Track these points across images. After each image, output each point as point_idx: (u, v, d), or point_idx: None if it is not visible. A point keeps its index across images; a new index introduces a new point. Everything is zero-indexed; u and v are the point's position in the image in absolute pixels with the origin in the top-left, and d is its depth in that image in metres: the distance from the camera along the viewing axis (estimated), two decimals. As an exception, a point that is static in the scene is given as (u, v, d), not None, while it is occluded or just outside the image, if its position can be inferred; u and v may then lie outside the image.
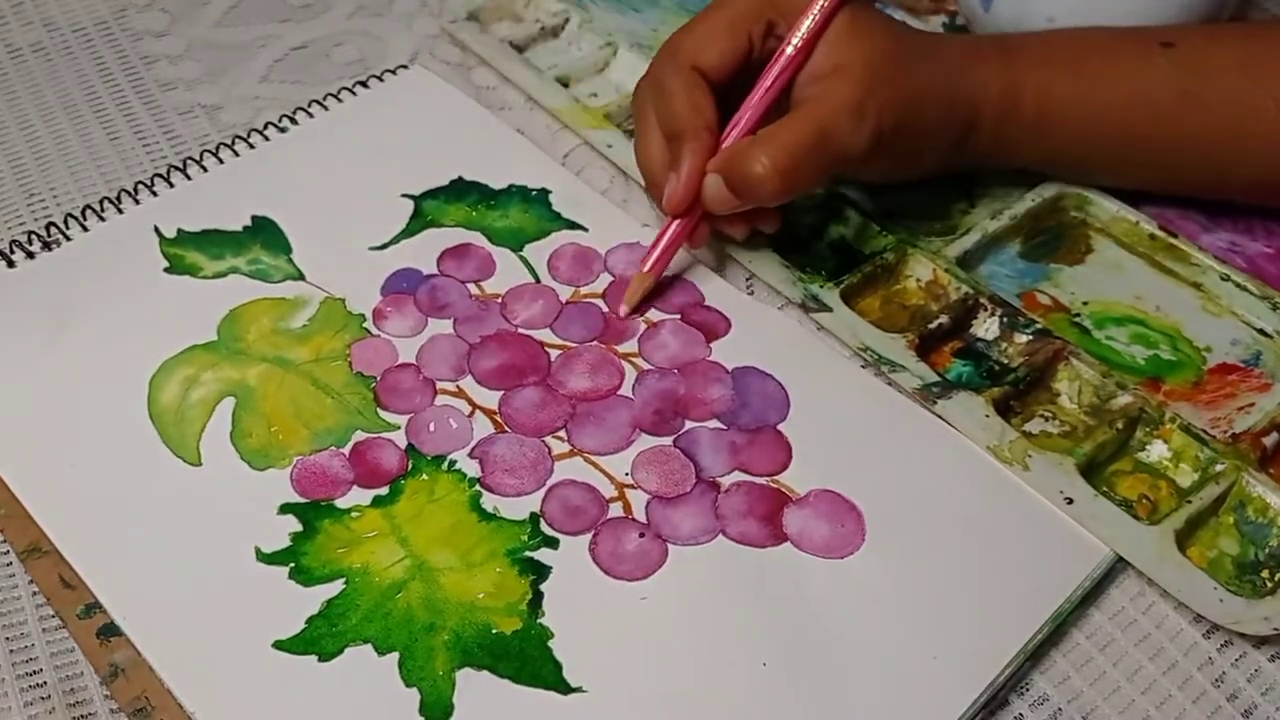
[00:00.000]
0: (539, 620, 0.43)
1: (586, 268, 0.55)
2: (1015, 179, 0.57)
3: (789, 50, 0.50)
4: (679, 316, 0.53)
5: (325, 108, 0.61)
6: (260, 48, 0.66)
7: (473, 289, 0.53)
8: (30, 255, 0.54)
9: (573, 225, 0.56)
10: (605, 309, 0.53)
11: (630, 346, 0.51)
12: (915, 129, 0.51)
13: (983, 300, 0.53)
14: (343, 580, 0.44)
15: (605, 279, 0.54)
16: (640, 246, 0.55)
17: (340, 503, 0.46)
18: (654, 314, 0.53)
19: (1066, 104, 0.53)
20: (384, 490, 0.46)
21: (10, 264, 0.54)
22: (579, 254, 0.55)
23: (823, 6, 0.50)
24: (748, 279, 0.55)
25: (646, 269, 0.52)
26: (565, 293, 0.54)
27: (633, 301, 0.52)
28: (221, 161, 0.59)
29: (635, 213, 0.57)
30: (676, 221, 0.52)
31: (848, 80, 0.50)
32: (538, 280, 0.54)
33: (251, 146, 0.59)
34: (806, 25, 0.50)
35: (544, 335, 0.52)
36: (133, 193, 0.57)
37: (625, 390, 0.50)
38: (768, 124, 0.50)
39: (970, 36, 0.56)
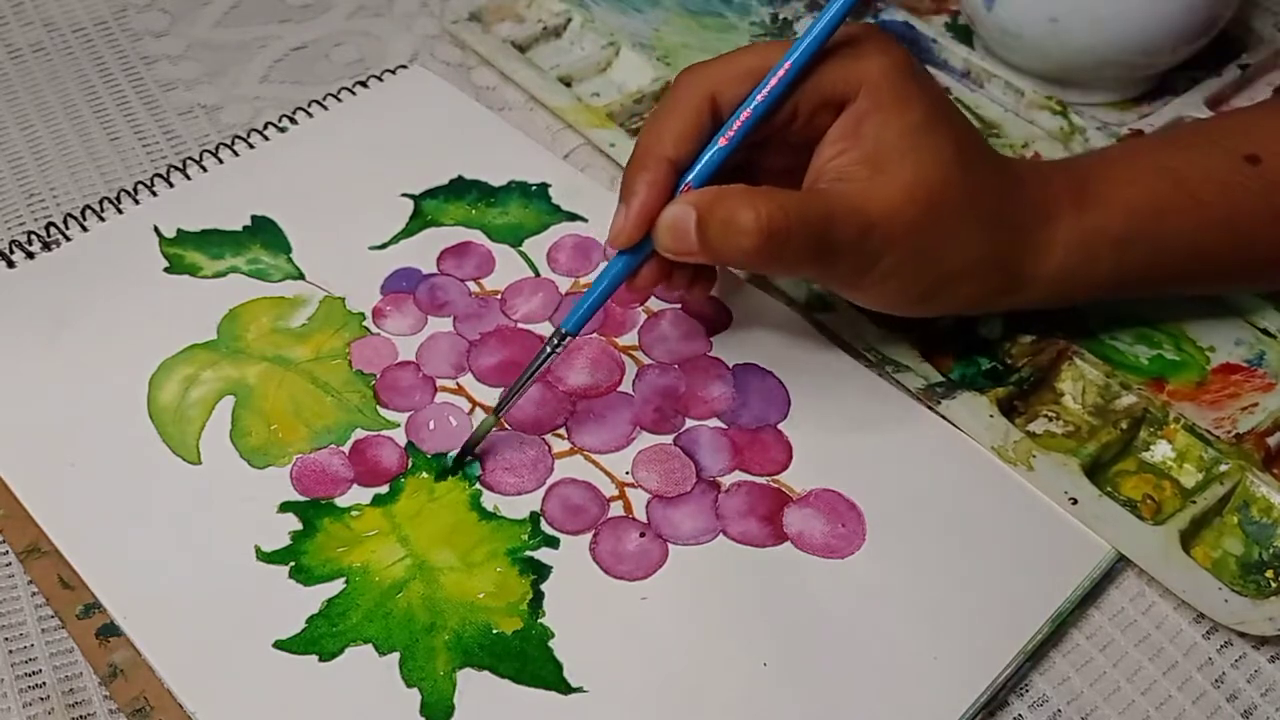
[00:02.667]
0: (539, 620, 0.43)
1: (586, 257, 0.55)
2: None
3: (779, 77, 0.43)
4: (679, 306, 0.52)
5: (325, 108, 0.61)
6: (260, 48, 0.66)
7: (472, 287, 0.53)
8: (30, 255, 0.54)
9: (572, 217, 0.56)
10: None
11: (630, 339, 0.51)
12: (948, 274, 0.45)
13: (985, 300, 0.53)
14: (343, 579, 0.43)
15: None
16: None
17: (340, 501, 0.46)
18: (654, 303, 0.53)
19: (1146, 256, 0.47)
20: (384, 489, 0.46)
21: (10, 264, 0.54)
22: (579, 244, 0.55)
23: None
24: (749, 277, 0.55)
25: (565, 327, 0.45)
26: (565, 284, 0.53)
27: (474, 442, 0.47)
28: (221, 161, 0.58)
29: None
30: (607, 276, 0.45)
31: (882, 192, 0.43)
32: (537, 274, 0.54)
33: (251, 146, 0.59)
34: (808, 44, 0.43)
35: (544, 330, 0.52)
36: (132, 193, 0.57)
37: (625, 386, 0.50)
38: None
39: (1038, 172, 0.48)
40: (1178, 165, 0.48)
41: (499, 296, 0.53)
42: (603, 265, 0.54)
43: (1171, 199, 0.47)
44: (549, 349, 0.45)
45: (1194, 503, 0.46)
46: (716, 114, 0.44)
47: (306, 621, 0.42)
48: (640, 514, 0.46)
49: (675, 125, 0.44)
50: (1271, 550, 0.46)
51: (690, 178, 0.44)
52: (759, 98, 0.43)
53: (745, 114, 0.44)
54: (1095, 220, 0.46)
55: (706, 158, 0.44)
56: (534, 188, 0.57)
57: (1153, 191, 0.47)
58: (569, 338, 0.45)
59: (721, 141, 0.44)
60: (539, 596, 0.43)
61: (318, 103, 0.61)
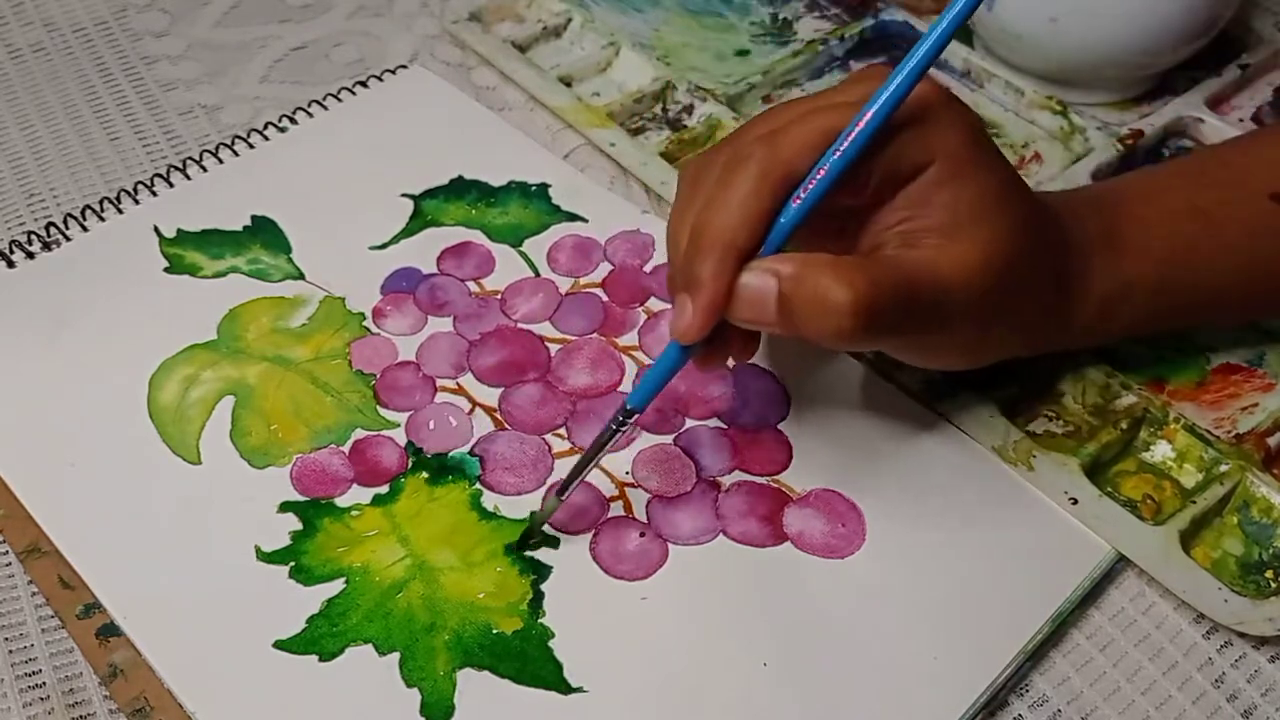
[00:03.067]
0: (539, 620, 0.43)
1: (586, 257, 0.55)
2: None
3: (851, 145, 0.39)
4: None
5: (325, 108, 0.61)
6: (260, 48, 0.66)
7: (472, 286, 0.53)
8: (30, 255, 0.54)
9: (572, 217, 0.56)
10: (605, 299, 0.53)
11: (630, 339, 0.51)
12: (1004, 332, 0.45)
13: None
14: (343, 579, 0.43)
15: (605, 268, 0.54)
16: (640, 234, 0.55)
17: (340, 501, 0.46)
18: (654, 303, 0.53)
19: (1177, 297, 0.48)
20: (384, 489, 0.46)
21: (10, 264, 0.54)
22: (579, 244, 0.55)
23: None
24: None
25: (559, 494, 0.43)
26: (565, 284, 0.53)
27: (539, 522, 0.44)
28: (221, 161, 0.58)
29: (636, 202, 0.57)
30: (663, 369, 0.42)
31: (960, 261, 0.41)
32: (537, 274, 0.54)
33: (251, 146, 0.59)
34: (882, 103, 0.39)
35: (544, 329, 0.52)
36: (132, 193, 0.57)
37: (625, 386, 0.50)
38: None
39: (1075, 215, 0.46)
40: (1206, 206, 0.48)
41: (499, 296, 0.53)
42: (606, 257, 0.54)
43: (1201, 243, 0.47)
44: (614, 426, 0.42)
45: (1194, 503, 0.46)
46: (790, 190, 0.40)
47: (306, 621, 0.42)
48: (640, 514, 0.46)
49: (748, 210, 0.39)
50: (1271, 550, 0.46)
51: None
52: (831, 161, 0.39)
53: (820, 173, 0.39)
54: (1130, 269, 0.46)
55: (779, 235, 0.40)
56: (534, 188, 0.57)
57: (1184, 237, 0.47)
58: (636, 414, 0.42)
59: (795, 202, 0.40)
60: (539, 596, 0.43)
61: (318, 103, 0.61)
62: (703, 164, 0.42)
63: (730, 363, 0.50)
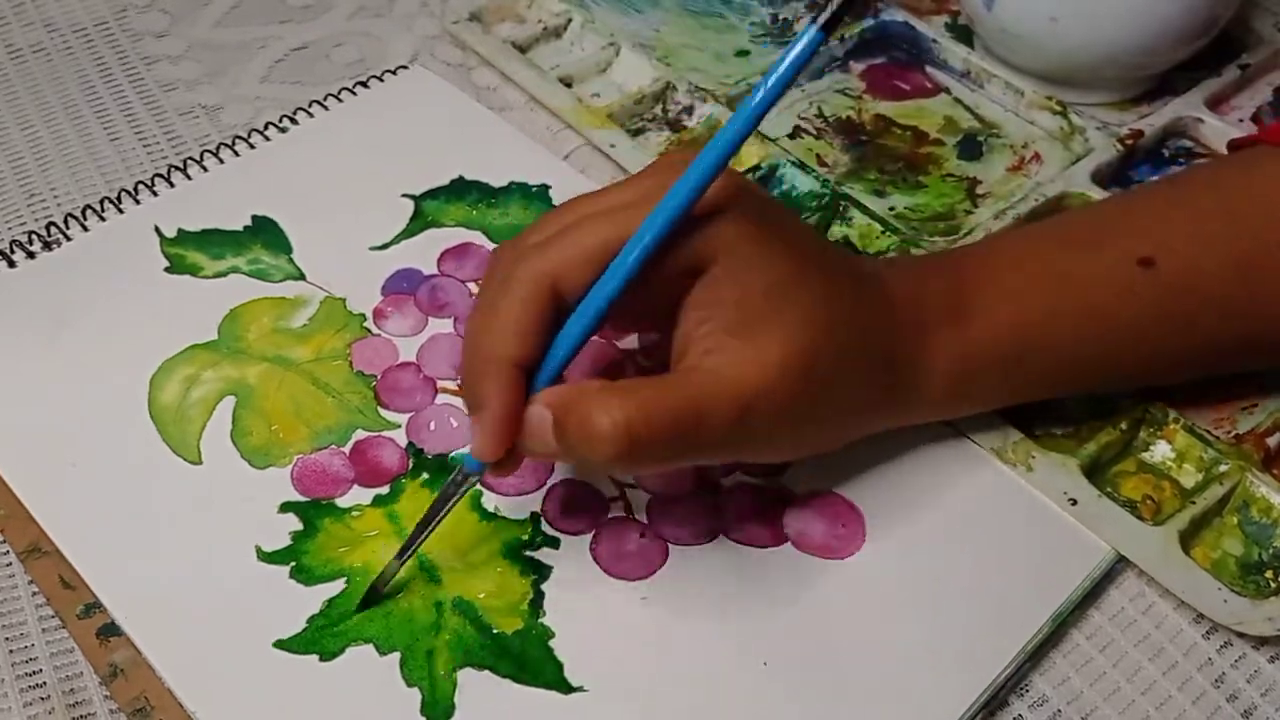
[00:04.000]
0: (540, 620, 0.43)
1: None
2: (1016, 180, 0.57)
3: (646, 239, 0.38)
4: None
5: (325, 108, 0.61)
6: (260, 48, 0.66)
7: (473, 287, 0.53)
8: (30, 255, 0.54)
9: (573, 221, 0.56)
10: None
11: (630, 341, 0.51)
12: (832, 423, 0.43)
13: (985, 300, 0.53)
14: (344, 579, 0.44)
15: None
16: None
17: (341, 501, 0.46)
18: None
19: (1040, 366, 0.45)
20: (385, 489, 0.46)
21: (10, 264, 0.54)
22: (579, 246, 0.55)
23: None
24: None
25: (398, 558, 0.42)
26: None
27: (384, 582, 0.43)
28: (222, 161, 0.59)
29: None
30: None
31: (746, 380, 0.39)
32: (538, 277, 0.54)
33: (252, 146, 0.59)
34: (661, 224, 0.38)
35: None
36: (133, 193, 0.57)
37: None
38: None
39: (908, 289, 0.44)
40: (1068, 269, 0.46)
41: (499, 297, 0.53)
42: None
43: (1063, 306, 0.45)
44: (451, 489, 0.42)
45: (1193, 503, 0.46)
46: (559, 301, 0.39)
47: (307, 621, 0.42)
48: (640, 514, 0.46)
49: (514, 322, 0.39)
50: (1271, 550, 0.46)
51: (541, 377, 0.40)
52: (610, 288, 0.39)
53: (597, 305, 0.39)
54: (976, 337, 0.44)
55: (561, 353, 0.40)
56: (534, 188, 0.57)
57: (1042, 301, 0.45)
58: (476, 477, 0.41)
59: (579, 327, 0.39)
60: (539, 596, 0.43)
61: (318, 103, 0.61)
62: (494, 260, 0.42)
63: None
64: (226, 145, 0.59)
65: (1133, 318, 0.45)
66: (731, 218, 0.40)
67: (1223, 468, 0.47)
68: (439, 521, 0.42)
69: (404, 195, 0.57)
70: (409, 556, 0.42)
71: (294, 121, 0.60)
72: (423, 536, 0.42)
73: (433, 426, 0.48)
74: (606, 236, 0.39)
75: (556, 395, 0.39)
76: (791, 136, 0.62)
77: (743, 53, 0.67)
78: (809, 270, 0.41)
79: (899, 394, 0.44)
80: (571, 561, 0.44)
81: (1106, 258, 0.46)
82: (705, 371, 0.39)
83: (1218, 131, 0.60)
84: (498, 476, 0.45)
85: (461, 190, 0.57)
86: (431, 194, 0.57)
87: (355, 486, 0.46)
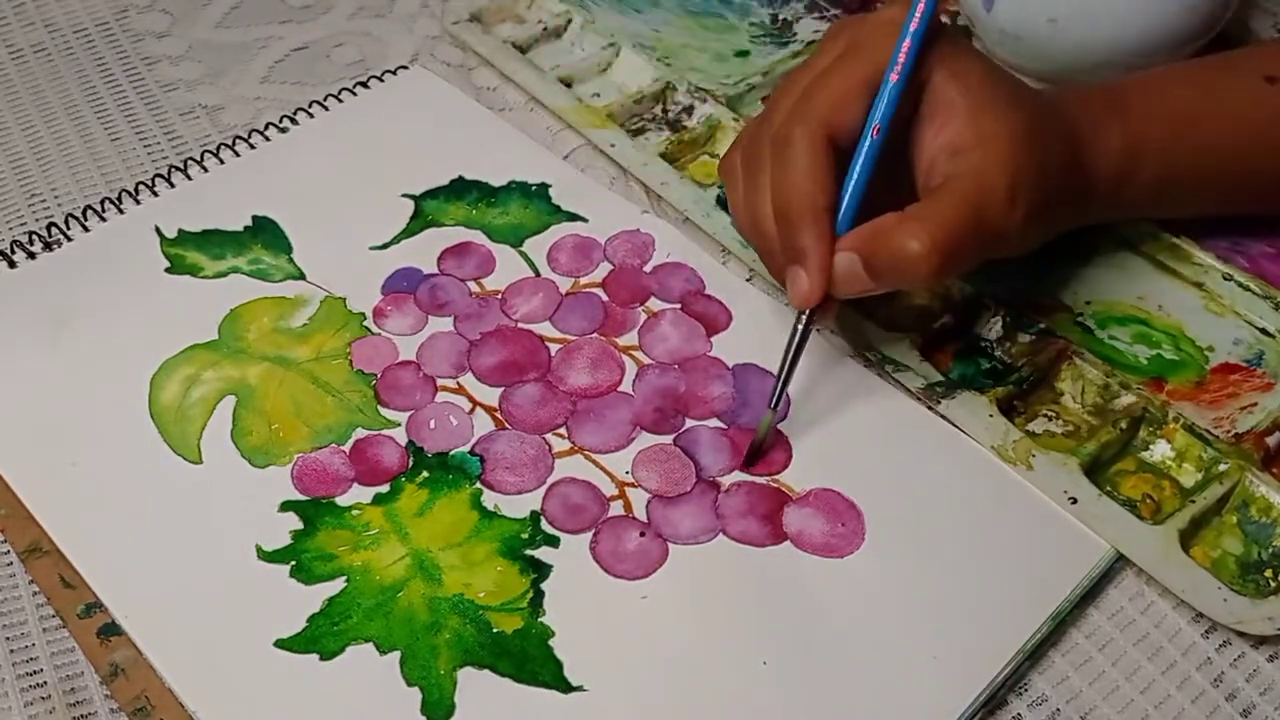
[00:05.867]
0: (540, 619, 0.43)
1: (586, 257, 0.55)
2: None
3: (888, 98, 0.45)
4: (679, 306, 0.53)
5: (326, 108, 0.61)
6: (261, 49, 0.66)
7: (473, 286, 0.53)
8: (31, 255, 0.54)
9: (573, 217, 0.56)
10: (605, 298, 0.53)
11: (630, 339, 0.51)
12: (1051, 204, 0.47)
13: (986, 300, 0.53)
14: (344, 578, 0.44)
15: (605, 268, 0.54)
16: (640, 234, 0.55)
17: (341, 500, 0.46)
18: (654, 303, 0.53)
19: (1187, 160, 0.51)
20: (385, 488, 0.46)
21: (11, 264, 0.54)
22: (579, 244, 0.55)
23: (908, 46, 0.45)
24: (748, 275, 0.55)
25: (771, 406, 0.47)
26: (565, 284, 0.54)
27: (760, 439, 0.47)
28: (222, 162, 0.59)
29: (636, 202, 0.57)
30: (798, 330, 0.46)
31: (996, 156, 0.45)
32: (538, 274, 0.54)
33: (252, 147, 0.59)
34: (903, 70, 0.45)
35: (544, 329, 0.52)
36: (133, 193, 0.57)
37: (625, 386, 0.50)
38: (876, 196, 0.46)
39: (1079, 92, 0.51)
40: (1206, 80, 0.52)
41: (499, 296, 0.53)
42: (606, 256, 0.54)
43: (1205, 108, 0.51)
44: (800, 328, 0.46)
45: (1193, 502, 0.46)
46: (839, 147, 0.45)
47: (307, 620, 0.42)
48: (640, 513, 0.46)
49: (817, 175, 0.45)
50: (1270, 550, 0.46)
51: (842, 221, 0.45)
52: (879, 114, 0.45)
53: (874, 130, 0.45)
54: (1138, 126, 0.50)
55: (848, 195, 0.45)
56: (534, 188, 0.58)
57: (1187, 101, 0.51)
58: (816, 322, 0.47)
59: (874, 134, 0.45)
60: (539, 595, 0.43)
61: (319, 103, 0.61)
62: (747, 157, 0.48)
63: (731, 363, 0.50)
64: (227, 145, 0.59)
65: (1263, 122, 0.51)
66: (937, 41, 0.46)
67: (1222, 467, 0.47)
68: (794, 366, 0.46)
69: (404, 195, 0.57)
70: (778, 402, 0.46)
71: (294, 122, 0.60)
72: (783, 383, 0.46)
73: (433, 425, 0.48)
74: (864, 73, 0.45)
75: (859, 238, 0.45)
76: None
77: (743, 53, 0.67)
78: (1002, 71, 0.48)
79: (1087, 174, 0.49)
80: (571, 561, 0.44)
81: (1240, 75, 0.53)
82: (963, 174, 0.45)
83: (1217, 131, 0.60)
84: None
85: (461, 190, 0.58)
86: (431, 194, 0.57)
87: (355, 485, 0.46)
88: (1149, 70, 0.54)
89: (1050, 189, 0.47)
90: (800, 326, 0.46)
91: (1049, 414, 0.50)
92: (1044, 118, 0.47)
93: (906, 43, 0.45)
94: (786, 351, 0.46)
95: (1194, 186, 0.52)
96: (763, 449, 0.47)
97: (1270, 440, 0.48)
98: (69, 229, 0.55)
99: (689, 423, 0.49)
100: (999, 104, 0.46)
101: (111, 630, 0.43)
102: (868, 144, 0.45)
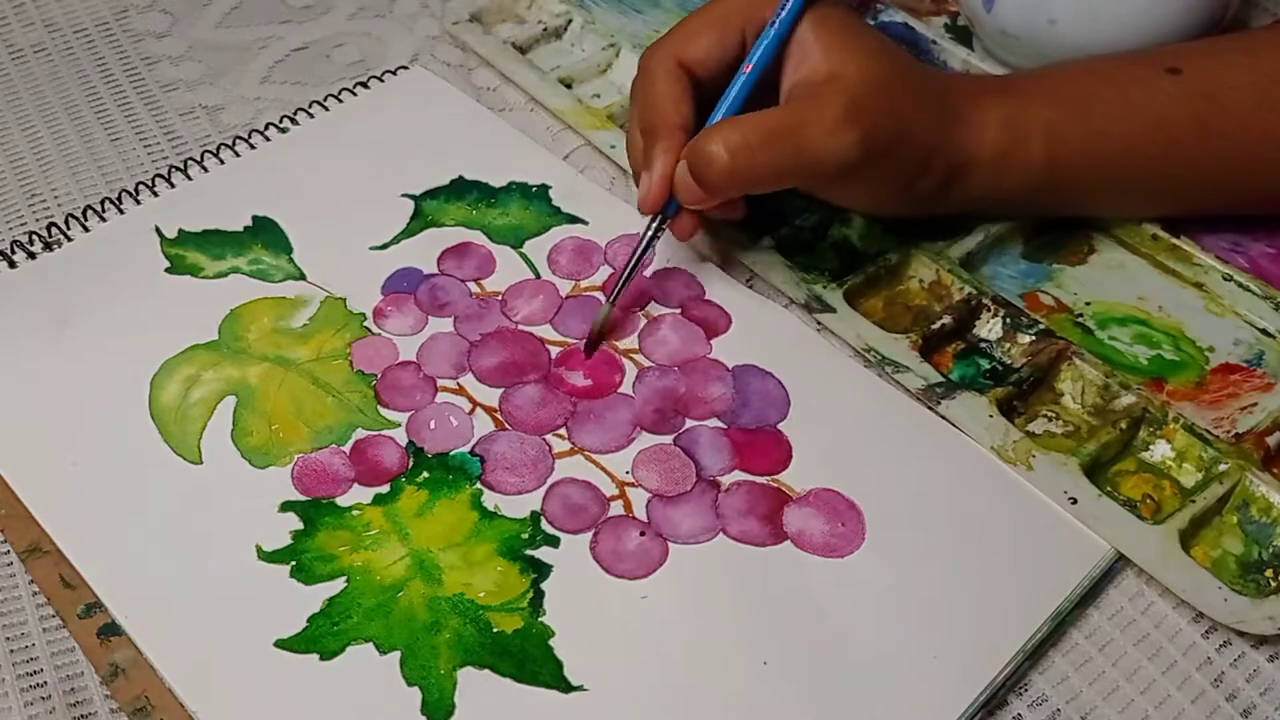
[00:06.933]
0: (540, 619, 0.43)
1: (587, 260, 0.55)
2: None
3: (764, 43, 0.49)
4: (679, 311, 0.53)
5: (326, 108, 0.61)
6: (261, 49, 0.66)
7: (473, 287, 0.53)
8: (31, 255, 0.54)
9: (573, 219, 0.56)
10: (605, 301, 0.53)
11: (630, 342, 0.51)
12: (904, 159, 0.49)
13: (986, 301, 0.53)
14: (344, 578, 0.44)
15: (605, 271, 0.54)
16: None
17: (341, 500, 0.46)
18: (654, 308, 0.53)
19: (1077, 142, 0.51)
20: (385, 488, 0.46)
21: (11, 264, 0.54)
22: (579, 247, 0.55)
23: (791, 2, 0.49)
24: (748, 279, 0.55)
25: (609, 300, 0.51)
26: (565, 287, 0.54)
27: (597, 328, 0.51)
28: (222, 162, 0.59)
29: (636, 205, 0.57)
30: (643, 241, 0.51)
31: (841, 89, 0.47)
32: (538, 276, 0.54)
33: (252, 147, 0.59)
34: (780, 19, 0.49)
35: (544, 331, 0.52)
36: (134, 193, 0.57)
37: (625, 388, 0.50)
38: None
39: (970, 76, 0.54)
40: (1106, 68, 0.53)
41: (499, 297, 0.53)
42: (607, 260, 0.54)
43: (1098, 92, 0.51)
44: (652, 230, 0.51)
45: (1193, 502, 0.46)
46: (694, 75, 0.50)
47: (307, 620, 0.42)
48: (640, 513, 0.46)
49: (669, 94, 0.50)
50: (1271, 549, 0.46)
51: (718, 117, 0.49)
52: (756, 54, 0.50)
53: (746, 68, 0.50)
54: (1028, 105, 0.51)
55: (729, 99, 0.49)
56: (534, 189, 0.58)
57: (1079, 84, 0.52)
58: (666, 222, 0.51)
59: (746, 68, 0.49)
60: (539, 595, 0.43)
61: (319, 103, 0.61)
62: (633, 86, 0.52)
63: (731, 364, 0.50)
64: (227, 145, 0.59)
65: (1159, 112, 0.51)
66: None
67: (1222, 467, 0.47)
68: (634, 270, 0.51)
69: (404, 195, 0.57)
70: (616, 297, 0.51)
71: (294, 122, 0.60)
72: (622, 282, 0.50)
73: (433, 425, 0.48)
74: (720, 11, 0.51)
75: (688, 146, 0.48)
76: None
77: (743, 53, 0.67)
78: (869, 27, 0.51)
79: (961, 145, 0.50)
80: (571, 561, 0.44)
81: (1140, 64, 0.53)
82: (800, 96, 0.48)
83: (1217, 132, 0.60)
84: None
85: (461, 190, 0.58)
86: (431, 194, 0.57)
87: (355, 485, 0.46)
88: (1051, 63, 0.55)
89: (900, 141, 0.48)
90: (647, 231, 0.50)
91: (1049, 414, 0.50)
92: (909, 74, 0.50)
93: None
94: (632, 254, 0.50)
95: (1092, 174, 0.52)
96: (599, 340, 0.51)
97: (1270, 440, 0.48)
98: (69, 229, 0.55)
99: (689, 423, 0.49)
100: (854, 49, 0.49)
101: (111, 630, 0.43)
102: (741, 80, 0.49)
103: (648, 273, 0.54)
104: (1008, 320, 0.52)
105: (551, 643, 0.42)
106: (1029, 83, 0.52)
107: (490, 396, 0.49)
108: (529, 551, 0.44)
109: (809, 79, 0.49)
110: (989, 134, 0.50)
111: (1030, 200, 0.53)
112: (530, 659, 0.42)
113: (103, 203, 0.56)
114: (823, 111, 0.47)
